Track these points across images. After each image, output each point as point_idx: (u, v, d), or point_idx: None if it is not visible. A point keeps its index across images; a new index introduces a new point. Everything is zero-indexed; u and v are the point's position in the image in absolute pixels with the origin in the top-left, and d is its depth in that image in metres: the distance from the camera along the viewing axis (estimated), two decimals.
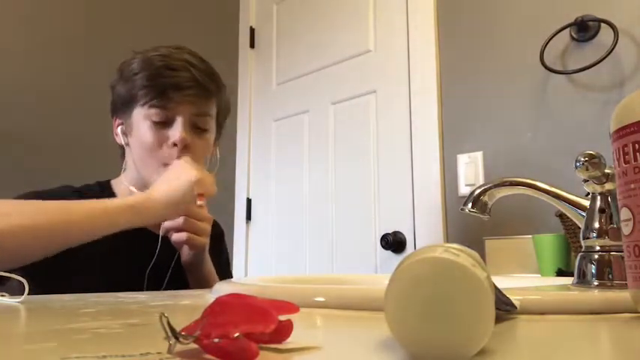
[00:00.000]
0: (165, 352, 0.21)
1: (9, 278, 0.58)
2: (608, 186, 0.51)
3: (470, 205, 0.61)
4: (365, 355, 0.22)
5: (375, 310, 0.37)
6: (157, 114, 0.84)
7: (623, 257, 0.46)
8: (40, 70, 1.65)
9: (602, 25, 1.29)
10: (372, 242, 1.70)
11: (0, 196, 0.73)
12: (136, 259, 0.85)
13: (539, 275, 1.16)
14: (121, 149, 0.93)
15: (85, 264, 0.77)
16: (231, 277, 1.07)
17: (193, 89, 0.84)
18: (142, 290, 0.82)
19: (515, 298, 0.35)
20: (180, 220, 0.83)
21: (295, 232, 1.95)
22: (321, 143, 1.92)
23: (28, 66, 1.63)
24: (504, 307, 0.33)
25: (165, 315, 0.21)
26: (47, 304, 0.47)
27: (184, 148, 0.84)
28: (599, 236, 0.50)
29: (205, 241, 0.85)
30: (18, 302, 0.48)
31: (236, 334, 0.20)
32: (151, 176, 0.85)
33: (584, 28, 1.33)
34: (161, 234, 0.85)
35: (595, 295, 0.40)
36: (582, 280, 0.50)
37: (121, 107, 0.89)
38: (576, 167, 0.51)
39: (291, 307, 0.24)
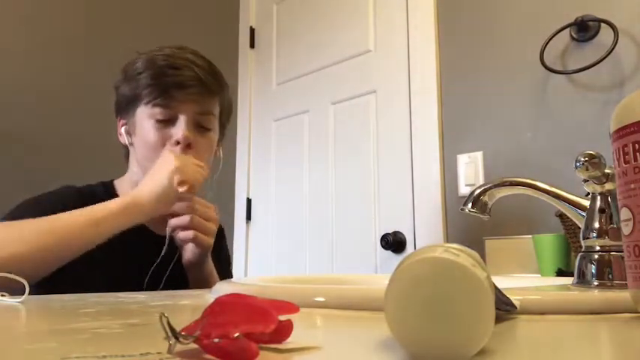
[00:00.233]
0: (165, 352, 0.21)
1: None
2: (608, 186, 0.51)
3: (470, 205, 0.61)
4: (365, 355, 0.22)
5: (375, 310, 0.37)
6: (160, 113, 0.84)
7: (623, 257, 0.46)
8: (40, 70, 1.65)
9: (602, 25, 1.29)
10: (372, 242, 1.70)
11: (0, 196, 0.73)
12: (137, 259, 0.85)
13: (539, 275, 1.16)
14: (125, 149, 0.93)
15: (85, 264, 0.77)
16: (231, 276, 1.07)
17: (196, 88, 0.85)
18: (142, 290, 0.82)
19: (515, 298, 0.35)
20: (187, 219, 0.83)
21: (295, 232, 1.95)
22: (321, 143, 1.92)
23: (28, 66, 1.63)
24: (504, 307, 0.33)
25: (165, 315, 0.21)
26: (47, 304, 0.47)
27: (187, 147, 0.84)
28: (599, 236, 0.50)
29: (211, 241, 0.85)
30: (18, 302, 0.48)
31: (236, 334, 0.20)
32: None
33: (584, 28, 1.33)
34: (168, 232, 0.85)
35: (595, 295, 0.40)
36: (582, 280, 0.50)
37: (125, 107, 0.89)
38: (576, 167, 0.51)
39: (291, 307, 0.24)
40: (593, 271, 0.49)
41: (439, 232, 1.53)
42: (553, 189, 0.57)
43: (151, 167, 0.85)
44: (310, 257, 1.88)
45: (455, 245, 0.23)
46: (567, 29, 1.35)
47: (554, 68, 1.36)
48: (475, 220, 1.37)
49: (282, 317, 0.23)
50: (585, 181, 0.52)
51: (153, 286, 0.85)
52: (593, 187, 0.52)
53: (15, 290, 0.51)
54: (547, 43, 1.36)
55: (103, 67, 1.46)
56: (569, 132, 1.34)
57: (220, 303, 0.23)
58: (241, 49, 2.27)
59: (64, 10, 1.74)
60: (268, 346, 0.23)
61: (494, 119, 1.48)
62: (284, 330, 0.23)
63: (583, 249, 0.52)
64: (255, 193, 2.14)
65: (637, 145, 0.32)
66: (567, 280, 0.55)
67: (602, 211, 0.51)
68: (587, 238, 0.51)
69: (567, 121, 1.35)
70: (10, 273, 0.51)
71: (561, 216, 1.11)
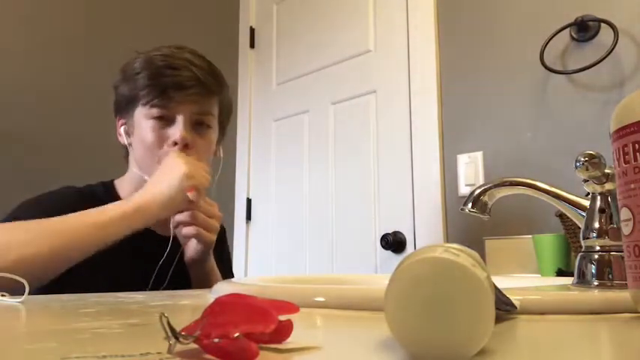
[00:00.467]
0: (165, 352, 0.21)
1: None
2: (608, 186, 0.51)
3: (470, 205, 0.61)
4: (365, 355, 0.22)
5: (375, 310, 0.37)
6: (158, 113, 0.84)
7: (623, 257, 0.46)
8: (40, 70, 1.65)
9: (602, 25, 1.29)
10: (372, 242, 1.70)
11: (0, 196, 0.73)
12: (139, 259, 0.85)
13: (539, 275, 1.16)
14: (125, 149, 0.93)
15: (86, 264, 0.76)
16: (233, 275, 1.07)
17: (195, 88, 0.84)
18: (145, 290, 0.82)
19: (515, 298, 0.35)
20: (190, 215, 0.83)
21: (295, 232, 1.95)
22: (321, 143, 1.92)
23: (28, 66, 1.63)
24: (504, 307, 0.33)
25: (166, 315, 0.21)
26: (47, 304, 0.47)
27: (185, 147, 0.84)
28: (599, 236, 0.50)
29: (213, 238, 0.85)
30: (18, 302, 0.48)
31: (236, 334, 0.20)
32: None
33: (584, 28, 1.33)
34: (172, 227, 0.85)
35: (595, 295, 0.40)
36: (582, 280, 0.50)
37: (124, 107, 0.89)
38: (576, 167, 0.51)
39: (291, 307, 0.24)
40: (593, 271, 0.49)
41: (439, 232, 1.53)
42: (553, 189, 0.57)
43: (148, 167, 0.85)
44: (310, 257, 1.88)
45: (455, 245, 0.23)
46: (567, 29, 1.35)
47: (554, 68, 1.36)
48: (475, 220, 1.37)
49: (282, 317, 0.23)
50: (585, 181, 0.52)
51: (156, 286, 0.85)
52: (593, 187, 0.52)
53: (17, 291, 0.51)
54: (547, 43, 1.36)
55: (103, 67, 1.46)
56: (569, 132, 1.34)
57: (220, 303, 0.23)
58: (241, 49, 2.27)
59: (64, 10, 1.74)
60: (268, 346, 0.23)
61: (494, 119, 1.48)
62: (284, 330, 0.23)
63: (583, 249, 0.52)
64: (255, 193, 2.14)
65: (637, 145, 0.32)
66: (567, 280, 0.55)
67: (602, 211, 0.51)
68: (587, 238, 0.51)
69: (567, 121, 1.35)
70: (17, 275, 0.51)
71: (561, 216, 1.11)
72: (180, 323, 0.23)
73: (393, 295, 0.20)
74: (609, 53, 1.26)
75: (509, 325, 0.31)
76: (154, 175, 0.80)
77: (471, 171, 1.50)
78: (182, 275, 0.88)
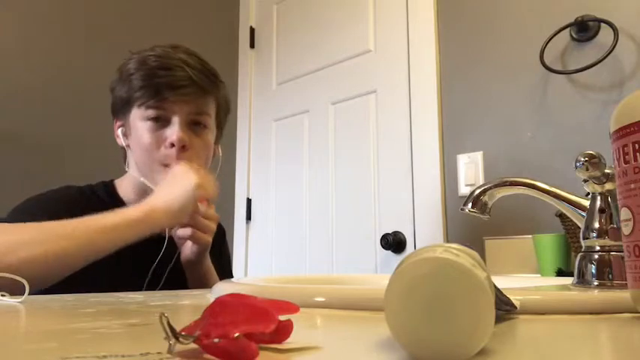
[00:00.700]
0: (165, 352, 0.21)
1: None
2: (608, 186, 0.51)
3: (470, 205, 0.61)
4: (365, 355, 0.22)
5: (375, 310, 0.37)
6: (153, 114, 0.83)
7: (623, 257, 0.46)
8: (40, 70, 1.65)
9: (602, 25, 1.29)
10: (372, 242, 1.70)
11: (0, 196, 0.72)
12: (136, 259, 0.85)
13: (539, 275, 1.16)
14: (123, 151, 0.93)
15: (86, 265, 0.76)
16: (232, 276, 1.07)
17: (189, 88, 0.84)
18: (141, 289, 0.82)
19: (515, 298, 0.35)
20: None
21: (295, 232, 1.95)
22: (321, 143, 1.92)
23: (28, 66, 1.63)
24: (504, 307, 0.33)
25: (166, 315, 0.21)
26: (47, 304, 0.47)
27: (182, 148, 0.83)
28: (599, 236, 0.50)
29: (209, 239, 0.85)
30: (18, 302, 0.48)
31: (236, 334, 0.20)
32: (152, 177, 0.85)
33: (584, 28, 1.33)
34: (167, 232, 0.85)
35: (595, 295, 0.40)
36: (582, 280, 0.50)
37: (120, 109, 0.88)
38: (576, 167, 0.51)
39: (291, 307, 0.24)
40: (593, 271, 0.49)
41: (439, 232, 1.53)
42: (553, 189, 0.57)
43: (147, 169, 0.85)
44: (310, 257, 1.88)
45: (455, 245, 0.23)
46: (567, 29, 1.35)
47: (554, 68, 1.36)
48: (475, 220, 1.37)
49: (282, 317, 0.23)
50: (585, 181, 0.52)
51: (152, 286, 0.85)
52: (593, 187, 0.52)
53: (17, 291, 0.51)
54: (547, 43, 1.36)
55: (103, 67, 1.46)
56: (569, 132, 1.34)
57: (220, 303, 0.23)
58: (241, 49, 2.27)
59: (64, 10, 1.74)
60: (268, 346, 0.23)
61: (494, 119, 1.48)
62: (284, 330, 0.23)
63: (583, 249, 0.52)
64: (255, 193, 2.14)
65: (637, 145, 0.32)
66: (567, 280, 0.55)
67: (602, 211, 0.51)
68: (587, 238, 0.51)
69: (567, 121, 1.35)
70: (21, 276, 0.51)
71: (561, 216, 1.11)
72: (180, 323, 0.23)
73: (393, 295, 0.20)
74: (609, 53, 1.26)
75: (509, 325, 0.31)
76: (162, 184, 0.79)
77: (470, 171, 1.50)
78: (178, 276, 0.88)
